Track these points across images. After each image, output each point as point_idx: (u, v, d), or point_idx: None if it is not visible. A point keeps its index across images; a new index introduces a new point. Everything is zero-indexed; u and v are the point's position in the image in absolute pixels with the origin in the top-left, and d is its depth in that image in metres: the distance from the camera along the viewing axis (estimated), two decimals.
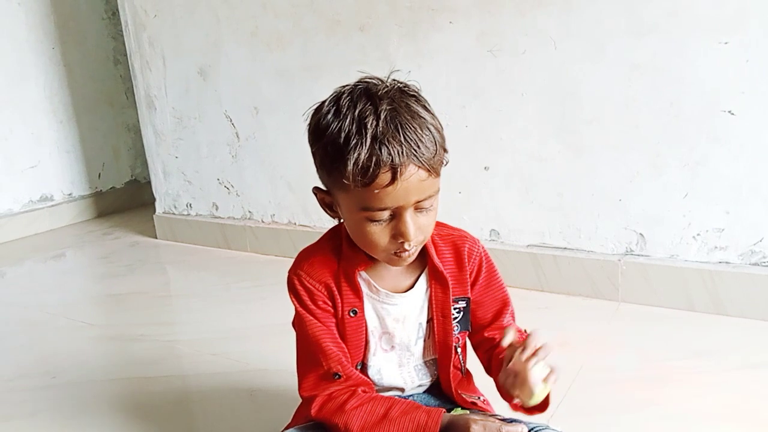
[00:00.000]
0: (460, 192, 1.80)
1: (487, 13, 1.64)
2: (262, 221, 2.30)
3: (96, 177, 3.20)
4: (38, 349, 1.63)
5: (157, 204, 2.63)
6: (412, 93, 0.77)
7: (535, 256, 1.72)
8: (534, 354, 0.72)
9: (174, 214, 2.58)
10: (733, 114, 1.41)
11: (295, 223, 2.20)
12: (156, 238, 2.63)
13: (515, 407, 0.80)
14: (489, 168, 1.75)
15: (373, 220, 0.75)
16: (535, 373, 0.71)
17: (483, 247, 0.91)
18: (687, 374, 1.26)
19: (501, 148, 1.72)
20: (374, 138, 0.71)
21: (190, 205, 2.51)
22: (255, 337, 1.58)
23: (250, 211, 2.33)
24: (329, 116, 0.75)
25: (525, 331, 0.93)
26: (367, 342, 0.88)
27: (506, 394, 0.81)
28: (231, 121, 2.27)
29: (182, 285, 2.17)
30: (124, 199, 3.28)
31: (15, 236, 2.83)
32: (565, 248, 1.69)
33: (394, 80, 0.78)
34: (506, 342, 0.76)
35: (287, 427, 0.94)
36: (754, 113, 1.39)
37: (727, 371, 1.26)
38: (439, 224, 0.88)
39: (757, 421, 1.09)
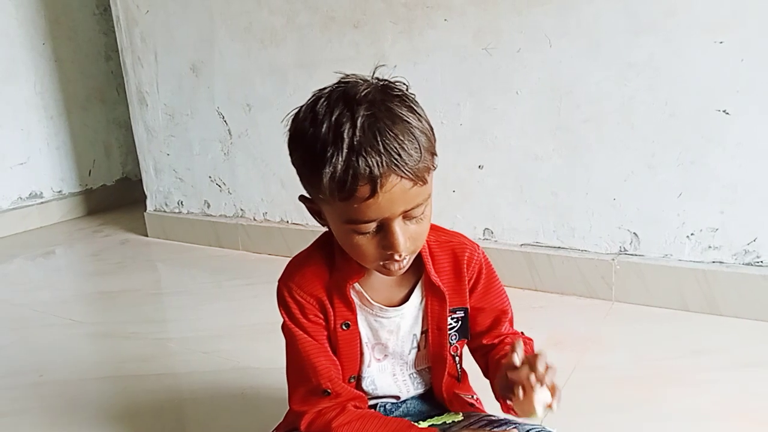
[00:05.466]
0: (454, 190, 1.79)
1: (482, 10, 1.64)
2: (254, 219, 2.29)
3: (86, 174, 3.17)
4: (27, 347, 1.61)
5: (148, 201, 2.61)
6: (396, 92, 0.71)
7: (529, 255, 1.71)
8: (541, 377, 0.69)
9: (165, 211, 2.56)
10: (728, 113, 1.41)
11: (287, 221, 2.19)
12: (147, 236, 2.61)
13: (507, 410, 0.79)
14: (483, 166, 1.74)
15: (359, 232, 0.71)
16: (540, 395, 0.69)
17: (483, 253, 0.87)
18: (680, 373, 1.26)
19: (496, 147, 1.71)
20: (350, 148, 0.65)
21: (182, 202, 2.49)
22: (247, 335, 1.56)
23: (242, 209, 2.31)
24: (306, 123, 0.70)
25: (522, 333, 0.93)
26: (361, 354, 0.85)
27: (501, 398, 0.80)
28: (223, 117, 2.25)
29: (173, 283, 2.15)
30: (114, 197, 3.25)
31: (4, 233, 2.80)
32: (559, 247, 1.69)
33: (377, 79, 0.72)
34: (517, 360, 0.71)
35: (278, 426, 0.93)
36: (749, 113, 1.39)
37: (720, 371, 1.26)
38: (436, 228, 0.85)
39: (750, 420, 1.09)
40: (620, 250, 1.61)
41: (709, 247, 1.50)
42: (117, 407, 1.28)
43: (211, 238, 2.40)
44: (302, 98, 0.74)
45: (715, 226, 1.48)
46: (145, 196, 2.61)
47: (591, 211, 1.62)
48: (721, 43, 1.38)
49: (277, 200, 2.19)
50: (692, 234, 1.51)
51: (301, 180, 0.74)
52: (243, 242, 2.31)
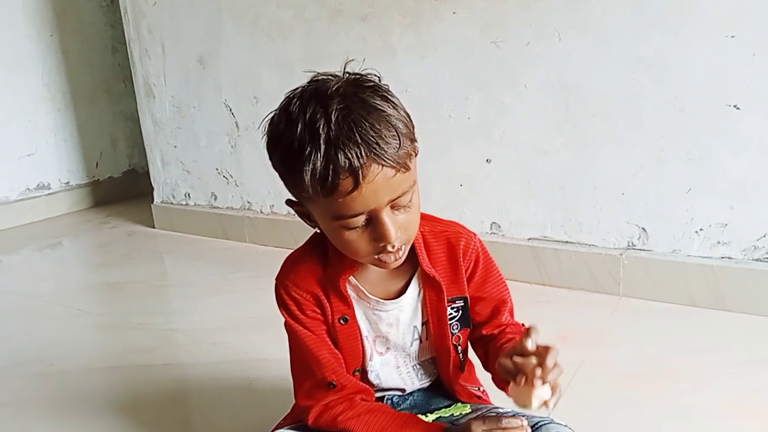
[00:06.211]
0: (461, 184, 1.78)
1: (490, 3, 1.63)
2: (261, 212, 2.29)
3: (93, 166, 3.18)
4: (34, 337, 1.61)
5: (155, 193, 2.61)
6: (368, 84, 0.70)
7: (536, 249, 1.71)
8: (547, 372, 0.68)
9: (172, 203, 2.56)
10: (738, 108, 1.40)
11: (294, 214, 2.18)
12: (154, 227, 2.62)
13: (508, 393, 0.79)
14: (491, 160, 1.73)
15: (348, 228, 0.70)
16: (540, 390, 0.68)
17: (480, 242, 0.86)
18: (688, 369, 1.25)
19: (503, 141, 1.70)
20: (327, 143, 0.64)
21: (189, 194, 2.49)
22: (253, 327, 1.56)
23: (248, 202, 2.32)
24: (281, 125, 0.70)
25: (523, 325, 0.91)
26: (363, 347, 0.85)
27: (501, 382, 0.79)
28: (230, 110, 2.25)
29: (180, 275, 2.16)
30: (121, 189, 3.26)
31: (11, 224, 2.81)
32: (566, 242, 1.68)
33: (347, 73, 0.72)
34: (530, 345, 0.69)
35: (285, 418, 0.93)
36: (760, 108, 1.38)
37: (728, 367, 1.25)
38: (431, 219, 0.84)
39: (757, 417, 1.09)
40: (628, 245, 1.60)
41: (718, 242, 1.49)
42: (123, 397, 1.29)
43: (217, 230, 2.40)
44: None
45: (724, 221, 1.47)
46: (152, 188, 2.61)
47: (599, 205, 1.62)
48: (732, 37, 1.37)
49: (284, 193, 2.17)
50: (701, 229, 1.50)
51: (284, 183, 0.74)
52: (249, 234, 2.31)
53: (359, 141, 0.64)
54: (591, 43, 1.53)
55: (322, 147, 0.65)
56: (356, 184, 0.65)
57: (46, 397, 1.31)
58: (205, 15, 2.20)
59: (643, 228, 1.57)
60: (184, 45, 2.30)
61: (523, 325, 0.91)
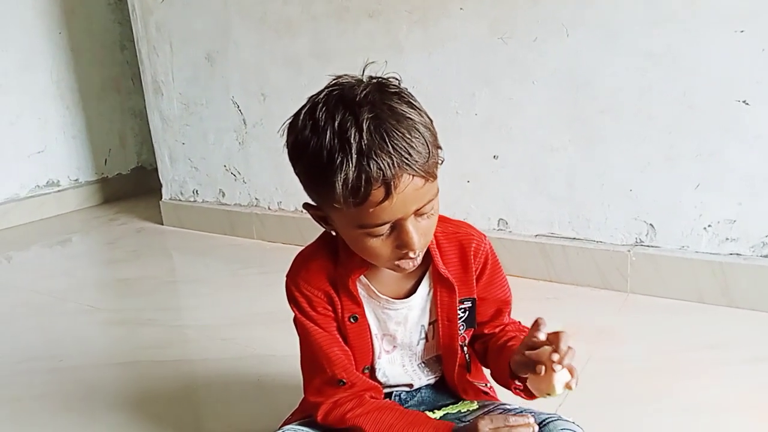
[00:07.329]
0: (468, 181, 1.78)
1: None
2: (269, 208, 2.29)
3: (102, 163, 3.19)
4: (45, 333, 1.63)
5: (163, 190, 2.62)
6: (393, 90, 0.70)
7: (543, 246, 1.70)
8: (563, 356, 0.70)
9: (180, 200, 2.57)
10: (747, 104, 1.39)
11: (302, 211, 2.19)
12: (162, 224, 2.63)
13: (516, 392, 0.80)
14: (498, 157, 1.73)
15: (372, 236, 0.71)
16: (560, 375, 0.70)
17: (489, 244, 0.87)
18: (696, 366, 1.25)
19: (511, 137, 1.70)
20: (360, 153, 0.64)
21: (197, 191, 2.50)
22: (262, 323, 1.57)
23: (256, 198, 2.32)
24: (306, 132, 0.68)
25: (520, 323, 0.92)
26: (372, 345, 0.86)
27: (506, 377, 0.80)
28: (238, 107, 2.26)
29: (189, 271, 2.17)
30: (130, 186, 3.27)
31: (22, 221, 2.84)
32: (574, 238, 1.68)
33: (370, 78, 0.71)
34: (542, 336, 0.72)
35: (293, 413, 0.94)
36: None
37: (736, 363, 1.25)
38: (442, 219, 0.84)
39: (765, 414, 1.08)
40: (636, 242, 1.60)
41: (727, 239, 1.49)
42: (133, 393, 1.30)
43: (225, 227, 2.41)
44: (317, 88, 0.72)
45: (733, 217, 1.47)
46: (161, 185, 2.63)
47: (607, 202, 1.61)
48: (741, 32, 1.36)
49: (291, 189, 2.20)
50: (709, 226, 1.50)
51: (306, 190, 0.74)
52: (257, 231, 2.32)
53: (391, 151, 0.64)
54: (599, 38, 1.52)
55: (354, 157, 0.64)
56: (387, 195, 0.65)
57: (57, 392, 1.32)
58: (212, 12, 2.21)
59: (651, 224, 1.57)
60: (192, 42, 2.31)
61: (519, 323, 0.93)
